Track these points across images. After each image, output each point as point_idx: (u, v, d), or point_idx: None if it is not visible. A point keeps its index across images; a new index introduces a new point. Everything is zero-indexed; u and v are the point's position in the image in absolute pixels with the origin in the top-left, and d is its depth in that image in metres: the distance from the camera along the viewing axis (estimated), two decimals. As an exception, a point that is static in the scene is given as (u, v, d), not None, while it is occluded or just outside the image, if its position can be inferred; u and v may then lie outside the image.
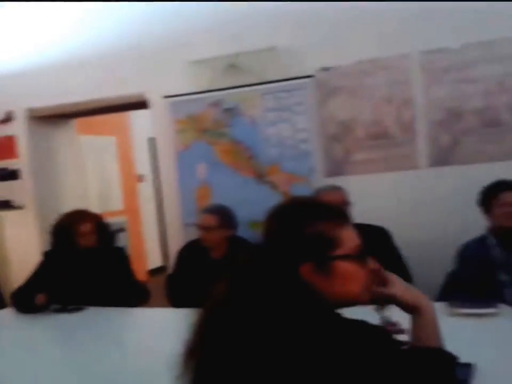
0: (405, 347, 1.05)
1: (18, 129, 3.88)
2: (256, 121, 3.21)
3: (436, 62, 2.90)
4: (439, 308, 1.88)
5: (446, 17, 2.85)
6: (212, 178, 3.33)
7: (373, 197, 3.02)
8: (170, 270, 2.95)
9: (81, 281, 2.58)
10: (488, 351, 1.54)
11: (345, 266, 0.97)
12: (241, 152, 3.26)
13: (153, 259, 6.41)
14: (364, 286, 1.00)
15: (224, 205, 2.80)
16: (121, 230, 5.15)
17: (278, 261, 0.96)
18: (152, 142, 5.81)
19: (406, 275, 2.40)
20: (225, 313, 0.93)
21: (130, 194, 6.14)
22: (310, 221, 0.97)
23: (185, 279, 2.64)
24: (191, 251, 2.76)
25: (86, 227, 2.63)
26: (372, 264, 1.03)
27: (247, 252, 1.02)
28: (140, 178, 6.40)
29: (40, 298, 2.46)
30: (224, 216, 2.68)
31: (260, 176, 3.23)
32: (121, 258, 2.78)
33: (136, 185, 6.31)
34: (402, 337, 1.11)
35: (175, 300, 2.68)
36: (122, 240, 4.00)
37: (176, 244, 3.22)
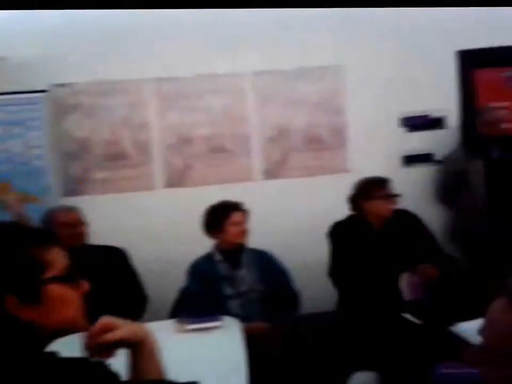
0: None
1: None
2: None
3: (169, 89, 3.11)
4: (169, 325, 1.99)
5: (180, 45, 3.07)
6: None
7: (111, 217, 3.03)
8: None
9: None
10: (214, 365, 1.65)
11: (55, 290, 0.89)
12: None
13: None
14: (78, 310, 0.93)
15: None
16: None
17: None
18: None
19: (140, 293, 2.50)
20: None
21: None
22: (10, 248, 0.88)
23: None
24: None
25: None
26: (85, 286, 0.96)
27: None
28: None
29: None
30: None
31: (-15, 196, 2.91)
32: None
33: None
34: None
35: None
36: None
37: None
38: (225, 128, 3.18)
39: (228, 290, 2.39)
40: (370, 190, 2.58)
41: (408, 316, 1.97)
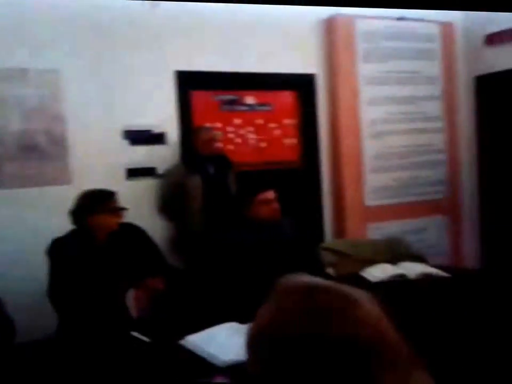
0: None
1: None
2: None
3: None
4: None
5: None
6: None
7: None
8: None
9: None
10: None
11: None
12: None
13: None
14: None
15: None
16: None
17: None
18: None
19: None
20: None
21: None
22: None
23: None
24: None
25: None
26: None
27: None
28: None
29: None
30: None
31: None
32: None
33: None
34: None
35: None
36: None
37: None
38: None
39: None
40: (95, 203, 2.47)
41: (136, 334, 1.93)
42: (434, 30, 4.19)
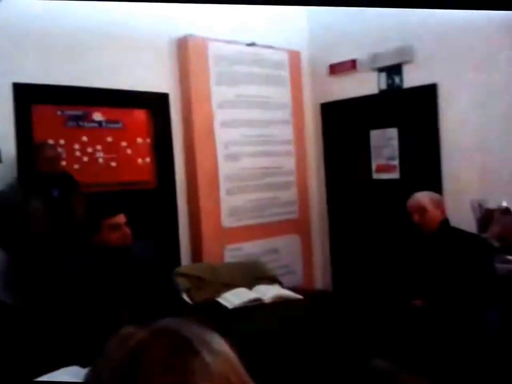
0: None
1: None
2: None
3: None
4: None
5: None
6: None
7: None
8: None
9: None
10: None
11: None
12: None
13: None
14: None
15: None
16: None
17: None
18: None
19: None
20: None
21: None
22: None
23: None
24: None
25: None
26: None
27: None
28: None
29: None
30: None
31: None
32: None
33: None
34: None
35: None
36: None
37: None
38: None
39: None
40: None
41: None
42: (283, 57, 4.38)
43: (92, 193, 3.29)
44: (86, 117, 3.53)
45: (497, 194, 3.24)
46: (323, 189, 4.68)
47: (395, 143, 4.11)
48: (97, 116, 3.58)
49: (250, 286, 2.74)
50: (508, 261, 2.73)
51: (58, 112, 3.42)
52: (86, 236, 2.42)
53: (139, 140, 3.75)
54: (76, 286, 2.15)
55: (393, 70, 4.08)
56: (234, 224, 4.05)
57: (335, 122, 4.55)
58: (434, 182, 3.76)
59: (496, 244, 2.80)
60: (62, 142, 3.40)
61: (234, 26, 4.12)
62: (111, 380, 0.59)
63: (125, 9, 3.60)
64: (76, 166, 3.45)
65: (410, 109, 4.01)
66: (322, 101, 4.61)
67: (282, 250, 4.33)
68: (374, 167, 4.26)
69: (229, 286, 2.68)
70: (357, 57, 4.28)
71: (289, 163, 4.44)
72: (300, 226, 4.49)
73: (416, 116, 3.98)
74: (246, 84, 4.14)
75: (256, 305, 2.55)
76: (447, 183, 3.80)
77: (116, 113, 3.66)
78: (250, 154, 4.16)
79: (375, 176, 4.26)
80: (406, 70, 4.00)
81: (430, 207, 2.74)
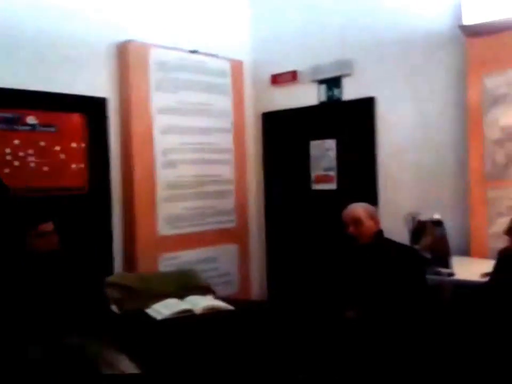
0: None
1: None
2: None
3: None
4: None
5: None
6: None
7: None
8: None
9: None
10: None
11: None
12: None
13: None
14: None
15: None
16: None
17: None
18: None
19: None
20: None
21: None
22: None
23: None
24: None
25: None
26: None
27: None
28: None
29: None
30: None
31: None
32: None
33: None
34: None
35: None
36: None
37: None
38: None
39: None
40: None
41: None
42: (225, 66, 4.38)
43: (23, 198, 3.16)
44: (19, 120, 3.40)
45: (431, 206, 3.35)
46: (262, 198, 4.70)
47: (333, 154, 4.18)
48: (31, 119, 3.45)
49: (182, 296, 2.69)
50: (439, 273, 2.81)
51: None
52: (14, 242, 2.39)
53: (73, 145, 3.63)
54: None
55: (333, 82, 4.16)
56: (171, 232, 3.99)
57: (276, 132, 4.59)
58: (370, 193, 3.85)
59: (428, 255, 2.88)
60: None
61: (177, 33, 4.09)
62: None
63: (64, 11, 3.51)
64: (7, 170, 3.31)
65: (348, 121, 4.10)
66: (264, 110, 4.64)
67: (219, 260, 4.30)
68: (313, 177, 4.32)
69: (161, 296, 2.62)
70: (298, 68, 4.34)
71: (229, 172, 4.43)
72: (238, 235, 4.48)
73: (354, 128, 4.07)
74: (188, 91, 4.11)
75: (185, 316, 2.50)
76: (383, 194, 3.90)
77: (51, 116, 3.54)
78: (189, 161, 4.12)
79: (314, 186, 4.32)
80: (345, 82, 4.09)
81: (364, 218, 2.79)
